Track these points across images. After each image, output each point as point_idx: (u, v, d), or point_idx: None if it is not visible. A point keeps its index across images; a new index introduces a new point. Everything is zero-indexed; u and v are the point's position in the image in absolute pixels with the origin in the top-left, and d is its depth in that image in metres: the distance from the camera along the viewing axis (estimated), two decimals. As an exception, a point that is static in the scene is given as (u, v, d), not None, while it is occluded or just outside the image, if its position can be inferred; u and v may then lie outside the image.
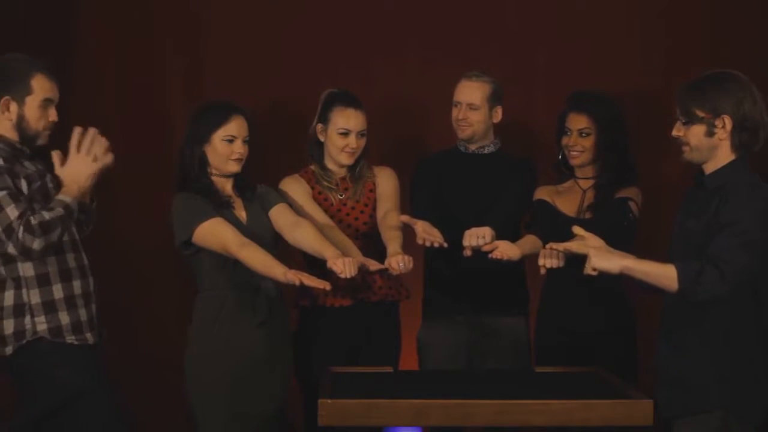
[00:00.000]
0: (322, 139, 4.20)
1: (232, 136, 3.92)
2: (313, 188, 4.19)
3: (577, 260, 3.43)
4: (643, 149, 4.53)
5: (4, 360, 3.65)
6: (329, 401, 3.27)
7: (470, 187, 4.30)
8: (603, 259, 3.29)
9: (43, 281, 3.60)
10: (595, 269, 3.29)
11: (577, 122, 4.22)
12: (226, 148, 3.92)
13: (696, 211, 3.37)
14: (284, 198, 4.08)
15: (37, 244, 3.46)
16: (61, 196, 3.57)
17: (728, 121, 3.31)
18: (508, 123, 4.48)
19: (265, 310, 3.92)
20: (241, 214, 3.98)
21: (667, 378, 3.41)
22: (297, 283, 3.66)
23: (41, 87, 3.63)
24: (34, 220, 3.45)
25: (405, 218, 4.03)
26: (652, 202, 4.32)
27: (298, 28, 4.95)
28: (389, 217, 4.12)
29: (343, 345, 4.15)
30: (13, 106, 3.59)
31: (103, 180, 4.33)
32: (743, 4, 4.89)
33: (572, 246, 3.45)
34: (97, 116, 4.87)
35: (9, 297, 3.58)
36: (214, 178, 3.97)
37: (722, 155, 3.35)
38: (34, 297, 3.58)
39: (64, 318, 3.63)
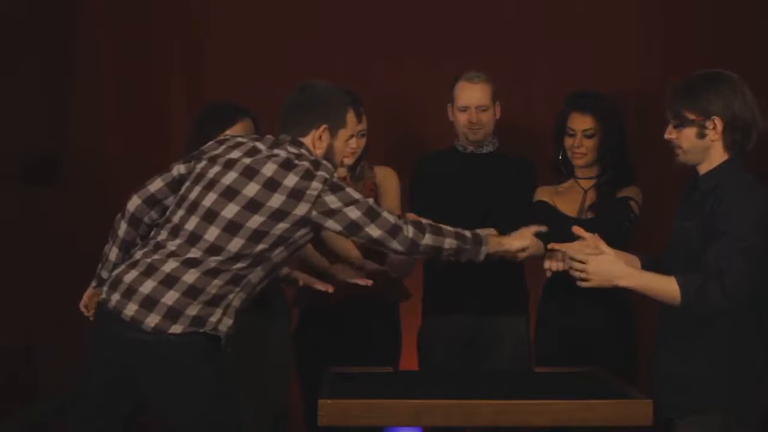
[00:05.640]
0: (322, 139, 4.20)
1: None
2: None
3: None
4: (643, 149, 4.54)
5: (159, 336, 3.30)
6: (329, 401, 3.27)
7: (469, 186, 4.30)
8: (602, 279, 3.30)
9: (250, 290, 3.44)
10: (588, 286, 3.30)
11: (582, 123, 4.22)
12: None
13: (691, 213, 3.36)
14: None
15: (427, 239, 3.46)
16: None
17: (719, 122, 3.30)
18: (508, 123, 4.49)
19: (268, 311, 3.92)
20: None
21: (667, 378, 3.41)
22: (300, 284, 3.66)
23: (352, 122, 3.59)
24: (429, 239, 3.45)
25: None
26: (651, 202, 4.32)
27: (298, 28, 4.95)
28: (390, 216, 4.12)
29: (343, 345, 4.15)
30: (326, 136, 3.52)
31: (102, 180, 4.36)
32: (743, 4, 4.89)
33: (571, 250, 3.44)
34: (97, 116, 4.91)
35: (216, 286, 3.34)
36: None
37: (715, 156, 3.34)
38: (237, 301, 3.40)
39: (233, 327, 3.46)
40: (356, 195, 3.36)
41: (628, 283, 3.29)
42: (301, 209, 3.31)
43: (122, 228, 3.51)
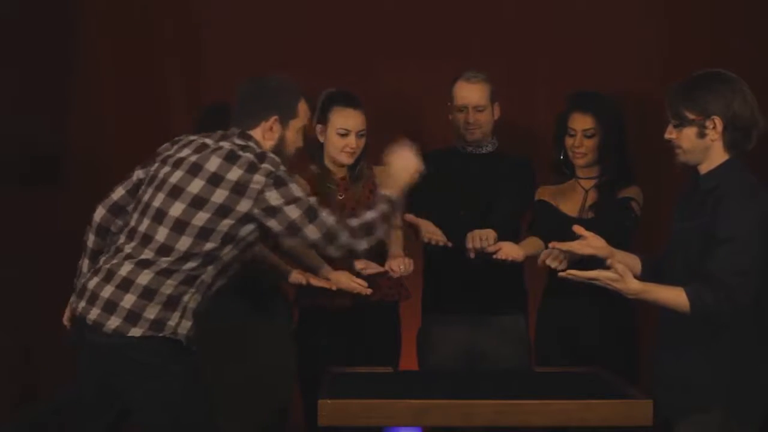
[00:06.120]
0: (321, 139, 4.20)
1: None
2: (312, 188, 4.19)
3: (580, 263, 3.44)
4: (644, 149, 4.53)
5: (120, 338, 3.36)
6: (329, 401, 3.27)
7: (468, 186, 4.30)
8: (629, 283, 3.23)
9: (205, 291, 3.45)
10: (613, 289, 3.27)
11: (582, 123, 4.23)
12: None
13: (691, 213, 3.36)
14: None
15: (363, 245, 3.43)
16: (387, 191, 3.53)
17: (718, 122, 3.30)
18: (508, 123, 4.49)
19: (271, 310, 3.92)
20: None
21: (667, 378, 3.41)
22: (303, 282, 3.67)
23: (304, 112, 3.60)
24: (355, 223, 3.42)
25: (409, 217, 4.04)
26: (651, 202, 4.32)
27: (298, 29, 4.95)
28: (389, 217, 4.12)
29: (343, 345, 4.15)
30: (277, 128, 3.53)
31: (103, 180, 4.33)
32: (743, 4, 4.89)
33: (574, 246, 3.44)
34: (97, 116, 4.90)
35: (170, 287, 3.37)
36: None
37: (716, 156, 3.34)
38: (193, 302, 3.40)
39: (195, 331, 3.47)
40: (299, 192, 3.36)
41: (642, 287, 3.26)
42: (244, 205, 3.32)
43: (90, 239, 3.56)
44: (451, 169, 4.34)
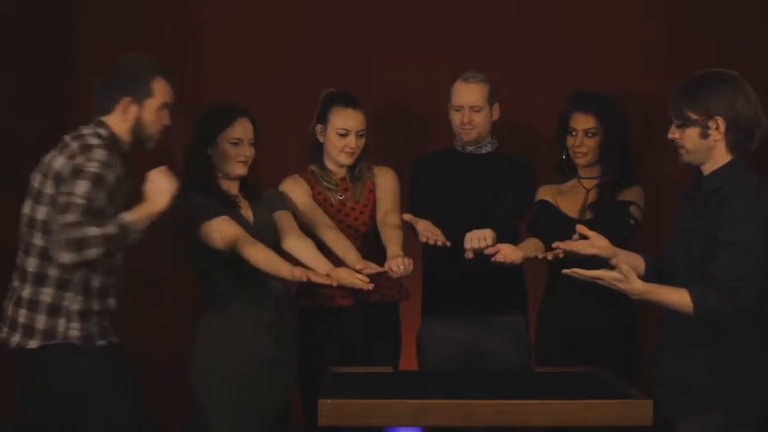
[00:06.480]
0: (321, 139, 4.20)
1: (237, 138, 3.92)
2: (312, 189, 4.19)
3: (579, 261, 3.43)
4: (644, 149, 4.53)
5: (25, 351, 3.53)
6: (329, 401, 3.27)
7: (468, 186, 4.29)
8: (633, 283, 3.22)
9: (85, 291, 3.51)
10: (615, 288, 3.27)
11: (583, 122, 4.23)
12: (231, 150, 3.92)
13: (694, 214, 3.36)
14: (288, 205, 4.08)
15: (66, 258, 3.31)
16: (125, 214, 3.43)
17: (721, 123, 3.29)
18: (508, 123, 4.49)
19: (273, 310, 3.92)
20: (248, 214, 3.98)
21: (668, 379, 3.41)
22: (304, 279, 3.66)
23: (161, 90, 3.60)
24: (75, 233, 3.29)
25: (408, 217, 4.03)
26: (652, 202, 4.32)
27: (298, 29, 4.95)
28: (389, 217, 4.12)
29: (343, 345, 4.15)
30: (133, 108, 3.56)
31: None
32: (744, 4, 4.89)
33: (578, 246, 3.44)
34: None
35: (48, 294, 3.46)
36: (220, 179, 3.97)
37: (719, 156, 3.34)
38: (75, 305, 3.47)
39: (94, 327, 3.54)
40: (94, 194, 3.36)
41: (646, 287, 3.25)
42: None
43: (19, 257, 3.57)
44: (451, 170, 4.33)
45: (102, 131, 3.50)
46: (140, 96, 3.55)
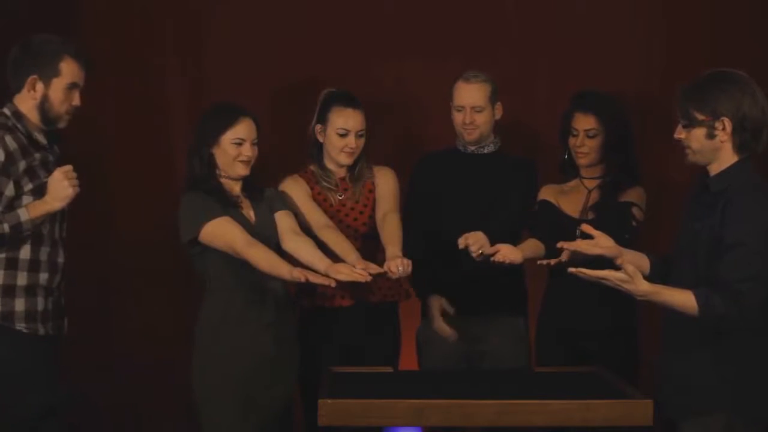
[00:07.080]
0: (321, 139, 4.20)
1: (240, 138, 3.91)
2: (312, 189, 4.19)
3: (580, 262, 3.43)
4: (645, 149, 4.53)
5: None
6: (329, 401, 3.27)
7: (469, 187, 4.29)
8: (639, 284, 3.21)
9: (10, 265, 3.58)
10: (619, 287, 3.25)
11: (585, 122, 4.22)
12: (234, 150, 3.92)
13: (700, 214, 3.34)
14: (289, 205, 4.07)
15: None
16: (22, 212, 3.55)
17: (728, 123, 3.28)
18: (509, 123, 4.49)
19: (273, 310, 3.92)
20: (250, 213, 3.97)
21: (671, 379, 3.40)
22: (303, 280, 3.66)
23: (69, 70, 3.63)
24: None
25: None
26: (654, 202, 4.31)
27: (298, 29, 4.94)
28: (389, 217, 4.12)
29: (343, 345, 4.15)
30: (39, 86, 3.58)
31: (102, 180, 4.34)
32: (743, 4, 4.89)
33: (583, 246, 3.43)
34: (97, 116, 4.89)
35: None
36: (222, 179, 3.96)
37: (725, 157, 3.32)
38: (21, 280, 3.56)
39: (20, 305, 3.60)
40: None
41: (651, 288, 3.25)
42: None
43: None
44: (453, 170, 4.33)
45: (7, 110, 3.58)
46: (47, 74, 3.60)
